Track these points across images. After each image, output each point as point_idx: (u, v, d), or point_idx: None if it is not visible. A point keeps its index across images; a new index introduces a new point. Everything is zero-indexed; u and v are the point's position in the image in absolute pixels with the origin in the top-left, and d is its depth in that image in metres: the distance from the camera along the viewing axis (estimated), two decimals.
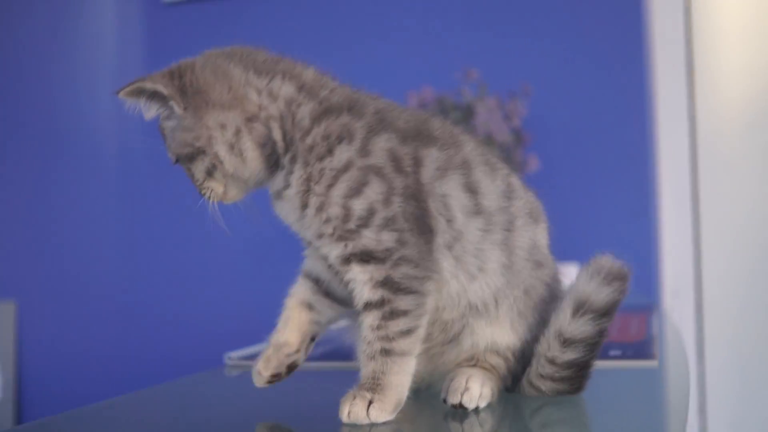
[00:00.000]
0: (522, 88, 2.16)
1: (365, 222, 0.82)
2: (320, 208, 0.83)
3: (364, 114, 0.85)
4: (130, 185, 2.85)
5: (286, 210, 0.87)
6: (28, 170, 2.97)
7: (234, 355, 1.33)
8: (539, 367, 0.88)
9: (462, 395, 0.85)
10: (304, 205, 0.84)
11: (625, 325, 1.45)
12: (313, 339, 0.95)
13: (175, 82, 0.86)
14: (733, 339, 2.34)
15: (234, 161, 0.86)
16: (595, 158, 2.39)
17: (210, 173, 0.88)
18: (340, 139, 0.83)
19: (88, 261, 2.87)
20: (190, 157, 0.87)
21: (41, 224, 2.95)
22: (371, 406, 0.80)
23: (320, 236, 0.84)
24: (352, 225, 0.82)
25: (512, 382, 0.92)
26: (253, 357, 1.33)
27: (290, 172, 0.86)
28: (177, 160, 0.90)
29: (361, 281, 0.83)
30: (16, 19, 2.97)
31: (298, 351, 0.94)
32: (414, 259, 0.81)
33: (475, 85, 2.15)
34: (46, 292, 2.94)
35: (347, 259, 0.83)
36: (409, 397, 0.83)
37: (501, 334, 0.90)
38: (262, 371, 0.94)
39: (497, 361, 0.91)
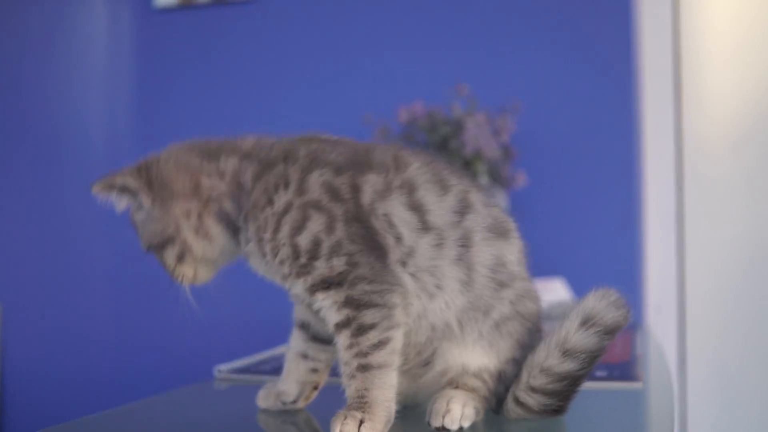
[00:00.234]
0: (511, 104, 2.18)
1: (314, 254, 0.86)
2: (274, 253, 0.89)
3: (298, 159, 0.90)
4: None
5: (255, 263, 0.94)
6: (16, 172, 2.96)
7: (223, 368, 1.33)
8: (531, 378, 0.89)
9: (443, 417, 0.87)
10: (264, 254, 0.90)
11: (611, 345, 1.46)
12: (315, 388, 1.02)
13: (143, 177, 0.94)
14: (715, 355, 2.37)
15: (202, 244, 0.94)
16: (581, 174, 2.42)
17: (181, 259, 0.95)
18: (277, 187, 0.89)
19: (76, 264, 2.85)
20: (161, 246, 0.95)
21: (28, 226, 2.93)
22: (362, 425, 0.81)
23: (284, 278, 0.90)
24: (303, 260, 0.87)
25: (497, 404, 0.94)
26: (242, 370, 1.34)
27: (246, 230, 0.92)
28: (149, 249, 0.97)
29: (327, 307, 0.87)
30: (8, 23, 2.96)
31: (295, 401, 1.01)
32: (368, 276, 0.85)
33: (465, 100, 2.17)
34: (32, 294, 2.92)
35: (311, 291, 0.87)
36: (397, 418, 0.85)
37: (470, 356, 0.92)
38: (259, 402, 1.04)
39: (476, 384, 0.92)
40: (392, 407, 0.85)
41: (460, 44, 2.52)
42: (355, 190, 0.88)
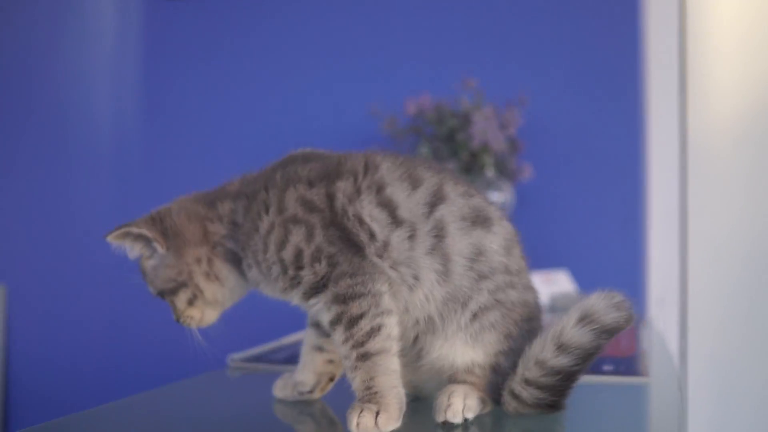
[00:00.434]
0: (518, 98, 2.19)
1: (299, 264, 0.91)
2: (268, 272, 0.94)
3: (275, 185, 0.95)
4: (126, 172, 2.86)
5: (261, 286, 0.99)
6: (22, 155, 2.96)
7: (236, 357, 1.35)
8: (525, 370, 0.90)
9: (446, 411, 0.90)
10: (264, 275, 0.95)
11: (616, 338, 1.47)
12: (331, 379, 1.06)
13: (157, 226, 1.00)
14: (716, 347, 2.40)
15: (213, 287, 1.01)
16: (586, 167, 2.44)
17: (191, 302, 1.01)
18: (260, 213, 0.94)
19: (82, 245, 2.84)
20: (174, 290, 1.01)
21: (33, 207, 2.94)
22: (378, 416, 0.84)
23: (283, 292, 0.95)
24: (291, 272, 0.92)
25: (500, 396, 0.94)
26: (255, 359, 1.37)
27: (247, 257, 0.97)
28: (159, 293, 1.02)
29: (320, 308, 0.91)
30: (16, 10, 2.97)
31: (311, 391, 1.05)
32: (348, 271, 0.89)
33: (472, 93, 2.18)
34: (38, 275, 2.92)
35: (305, 298, 0.92)
36: (408, 413, 0.86)
37: (455, 350, 0.94)
38: (276, 392, 1.07)
39: (471, 378, 0.94)
40: (401, 392, 0.87)
41: (468, 38, 2.53)
42: (330, 198, 0.92)
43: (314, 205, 0.92)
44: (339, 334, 0.88)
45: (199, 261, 1.00)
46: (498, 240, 0.95)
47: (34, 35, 2.96)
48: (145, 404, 1.09)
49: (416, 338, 0.96)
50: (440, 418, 0.90)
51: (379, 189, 0.92)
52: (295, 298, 0.94)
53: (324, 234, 0.90)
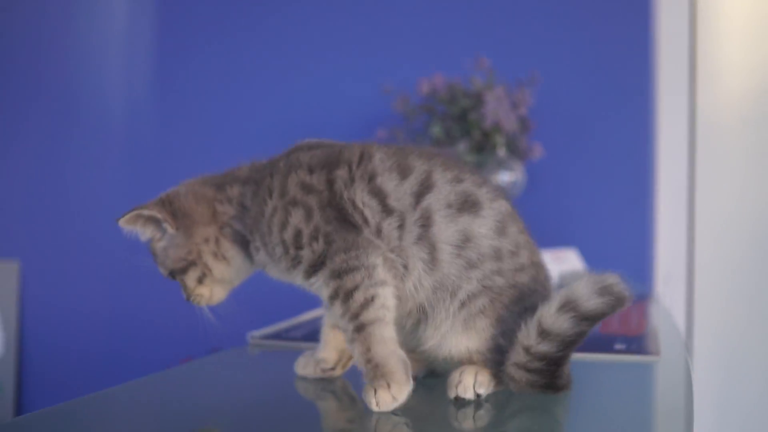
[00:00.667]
0: (529, 77, 2.20)
1: (298, 244, 0.95)
2: (273, 254, 0.99)
3: (278, 171, 0.99)
4: (137, 147, 2.87)
5: (268, 268, 1.03)
6: (33, 131, 2.98)
7: (256, 334, 1.38)
8: (515, 354, 0.91)
9: (456, 388, 0.93)
10: (270, 257, 1.00)
11: (626, 316, 1.50)
12: (351, 357, 1.07)
13: (167, 208, 1.04)
14: (722, 325, 2.43)
15: (220, 266, 1.05)
16: (596, 147, 2.45)
17: (201, 281, 1.05)
18: (265, 199, 0.99)
19: (93, 220, 2.86)
20: (184, 270, 1.05)
21: (45, 183, 2.97)
22: (390, 388, 0.88)
23: (287, 272, 0.99)
24: (292, 252, 0.96)
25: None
26: (274, 336, 1.40)
27: (254, 241, 1.02)
28: (170, 273, 1.06)
29: (320, 286, 0.95)
30: None
31: (333, 368, 1.08)
32: (343, 247, 0.93)
33: (484, 73, 2.19)
34: (50, 251, 2.96)
35: (306, 277, 0.97)
36: (421, 390, 0.89)
37: (451, 340, 0.96)
38: (298, 370, 1.10)
39: (476, 360, 0.95)
40: (400, 354, 0.91)
41: (480, 17, 2.53)
42: (330, 183, 0.96)
43: (313, 188, 0.96)
44: (337, 308, 0.92)
45: (207, 240, 1.04)
46: (488, 223, 0.95)
47: (47, 6, 2.97)
48: (167, 382, 1.12)
49: (413, 328, 0.99)
50: (452, 394, 0.93)
51: (371, 178, 0.96)
52: (297, 278, 0.98)
53: (321, 214, 0.94)
